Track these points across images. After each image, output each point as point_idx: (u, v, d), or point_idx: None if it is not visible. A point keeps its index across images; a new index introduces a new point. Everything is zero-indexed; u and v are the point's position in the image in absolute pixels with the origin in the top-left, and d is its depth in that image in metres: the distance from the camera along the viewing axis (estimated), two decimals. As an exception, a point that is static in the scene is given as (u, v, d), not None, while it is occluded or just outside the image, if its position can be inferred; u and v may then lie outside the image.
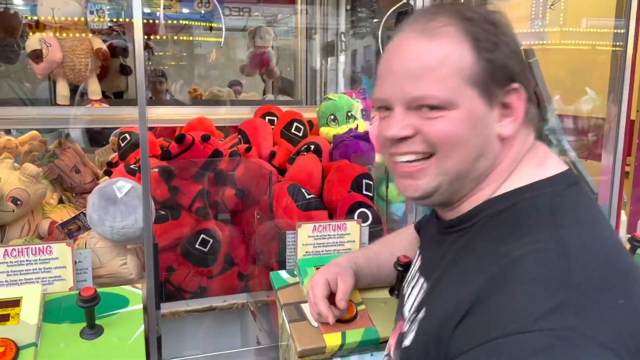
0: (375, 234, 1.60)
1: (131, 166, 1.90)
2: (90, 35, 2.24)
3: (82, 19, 2.21)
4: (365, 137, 2.07)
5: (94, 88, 2.18)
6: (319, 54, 3.99)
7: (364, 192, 1.80)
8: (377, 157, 2.11)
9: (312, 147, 2.06)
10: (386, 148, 0.92)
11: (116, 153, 2.22)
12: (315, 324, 1.23)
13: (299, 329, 1.23)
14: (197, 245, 1.82)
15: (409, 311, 0.95)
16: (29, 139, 2.37)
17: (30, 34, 2.43)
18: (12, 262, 1.23)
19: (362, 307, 1.28)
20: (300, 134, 2.21)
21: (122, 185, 1.35)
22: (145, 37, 3.62)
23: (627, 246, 1.43)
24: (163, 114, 2.49)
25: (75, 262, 1.29)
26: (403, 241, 1.31)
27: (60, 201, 2.01)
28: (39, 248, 1.25)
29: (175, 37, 4.08)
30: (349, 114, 2.24)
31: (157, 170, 1.80)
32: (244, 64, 4.05)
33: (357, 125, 2.22)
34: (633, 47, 1.67)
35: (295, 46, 4.18)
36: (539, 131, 0.93)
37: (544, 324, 0.66)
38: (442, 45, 0.83)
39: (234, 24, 4.58)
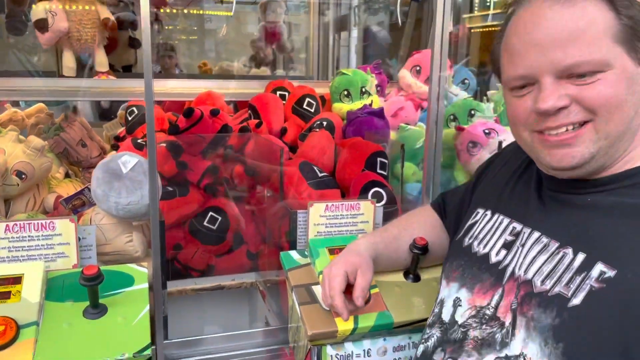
0: (389, 215, 1.54)
1: (138, 140, 1.85)
2: (98, 5, 2.18)
3: (90, -12, 2.14)
4: (379, 113, 1.99)
5: (101, 60, 2.12)
6: (332, 28, 3.89)
7: (378, 170, 1.74)
8: (392, 134, 2.04)
9: (325, 123, 1.99)
10: (529, 125, 0.91)
11: (124, 127, 2.17)
12: (327, 307, 1.19)
13: (309, 311, 1.19)
14: (205, 223, 1.77)
15: (536, 272, 0.89)
16: (36, 111, 2.32)
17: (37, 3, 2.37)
18: (14, 238, 1.19)
19: (376, 290, 1.24)
20: (313, 110, 2.14)
21: (128, 160, 1.29)
22: (155, 9, 3.55)
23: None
24: (172, 88, 2.43)
25: (79, 239, 1.25)
26: (424, 224, 1.27)
27: (67, 176, 1.97)
28: (42, 224, 1.20)
29: (185, 11, 3.99)
30: (363, 90, 2.16)
31: (164, 145, 1.75)
32: (255, 37, 3.96)
33: (372, 102, 2.14)
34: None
35: (307, 21, 4.08)
36: None
37: None
38: (585, 8, 0.83)
39: (245, -3, 4.48)
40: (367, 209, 1.47)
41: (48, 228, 1.21)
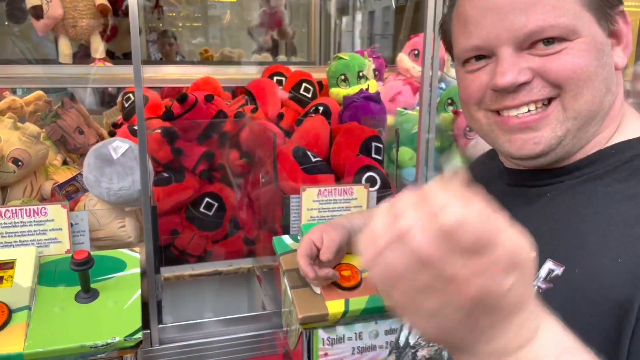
0: (383, 199, 1.53)
1: (135, 127, 1.85)
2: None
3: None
4: (376, 98, 1.97)
5: (97, 46, 2.11)
6: (334, 12, 3.85)
7: (373, 155, 1.73)
8: (389, 119, 2.03)
9: (321, 108, 1.98)
10: (484, 105, 0.79)
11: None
12: (318, 291, 1.19)
13: (300, 295, 1.19)
14: (201, 209, 1.78)
15: None
16: (34, 99, 2.32)
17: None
18: (6, 224, 1.20)
19: (367, 274, 1.24)
20: (310, 95, 2.13)
21: (119, 146, 1.30)
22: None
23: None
24: (170, 74, 2.42)
25: (72, 225, 1.26)
26: None
27: (65, 163, 1.98)
28: (34, 209, 1.21)
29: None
30: (361, 74, 2.14)
31: (159, 131, 1.75)
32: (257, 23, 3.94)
33: (369, 86, 2.12)
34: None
35: (308, 5, 4.04)
36: None
37: None
38: None
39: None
40: (360, 194, 1.46)
41: (40, 214, 1.22)
